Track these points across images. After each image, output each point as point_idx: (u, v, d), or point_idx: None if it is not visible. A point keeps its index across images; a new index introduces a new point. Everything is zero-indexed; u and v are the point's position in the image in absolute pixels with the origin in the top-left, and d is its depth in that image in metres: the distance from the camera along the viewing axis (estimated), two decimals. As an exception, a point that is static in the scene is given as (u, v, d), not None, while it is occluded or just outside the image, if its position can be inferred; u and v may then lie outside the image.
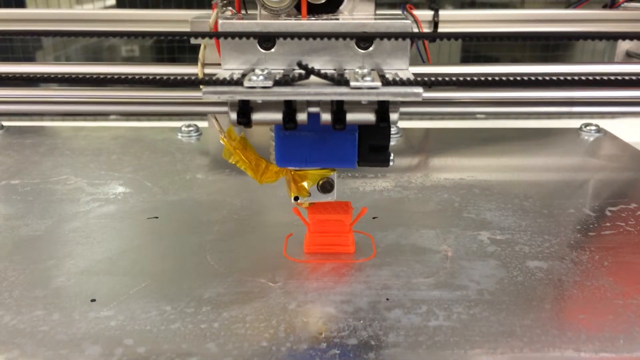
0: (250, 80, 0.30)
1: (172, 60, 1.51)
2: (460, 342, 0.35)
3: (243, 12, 0.40)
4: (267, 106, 0.33)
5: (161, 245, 0.47)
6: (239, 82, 0.31)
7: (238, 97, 0.31)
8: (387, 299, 0.39)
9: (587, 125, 0.77)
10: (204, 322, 0.37)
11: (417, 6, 0.37)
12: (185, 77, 0.31)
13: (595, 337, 0.35)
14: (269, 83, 0.30)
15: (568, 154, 0.71)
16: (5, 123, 0.78)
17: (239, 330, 0.36)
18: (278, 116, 0.33)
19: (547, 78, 0.32)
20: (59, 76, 0.32)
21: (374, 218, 0.51)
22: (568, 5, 0.81)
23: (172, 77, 0.33)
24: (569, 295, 0.40)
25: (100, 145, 0.71)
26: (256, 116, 0.33)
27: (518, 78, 0.31)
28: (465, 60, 1.51)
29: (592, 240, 0.48)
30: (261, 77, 0.30)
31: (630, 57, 0.77)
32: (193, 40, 0.72)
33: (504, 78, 0.31)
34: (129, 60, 1.57)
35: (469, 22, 0.76)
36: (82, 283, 0.41)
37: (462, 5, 1.42)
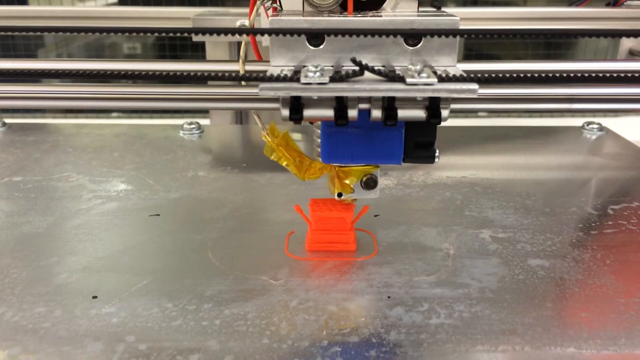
0: (306, 76, 0.31)
1: (174, 57, 1.51)
2: (462, 340, 0.35)
3: (279, 8, 0.39)
4: (319, 102, 0.33)
5: (163, 242, 0.47)
6: (294, 79, 0.31)
7: (294, 93, 0.31)
8: (389, 297, 0.39)
9: (589, 123, 0.77)
10: (205, 319, 0.37)
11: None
12: (227, 74, 0.31)
13: (597, 336, 0.35)
14: (325, 79, 0.30)
15: (570, 152, 0.71)
16: (7, 120, 0.78)
17: (240, 328, 0.36)
18: (329, 112, 0.33)
19: (549, 75, 0.32)
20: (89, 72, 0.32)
21: (375, 216, 0.51)
22: (570, 3, 0.81)
23: (212, 73, 0.33)
24: (570, 294, 0.40)
25: (102, 143, 0.71)
26: (308, 112, 0.33)
27: (521, 75, 0.31)
28: (468, 58, 1.51)
29: (594, 239, 0.48)
30: (317, 74, 0.31)
31: (633, 55, 0.77)
32: (195, 38, 0.73)
33: (507, 75, 0.31)
34: (131, 57, 1.57)
35: (472, 20, 0.76)
36: (84, 280, 0.41)
37: (465, 3, 1.42)
